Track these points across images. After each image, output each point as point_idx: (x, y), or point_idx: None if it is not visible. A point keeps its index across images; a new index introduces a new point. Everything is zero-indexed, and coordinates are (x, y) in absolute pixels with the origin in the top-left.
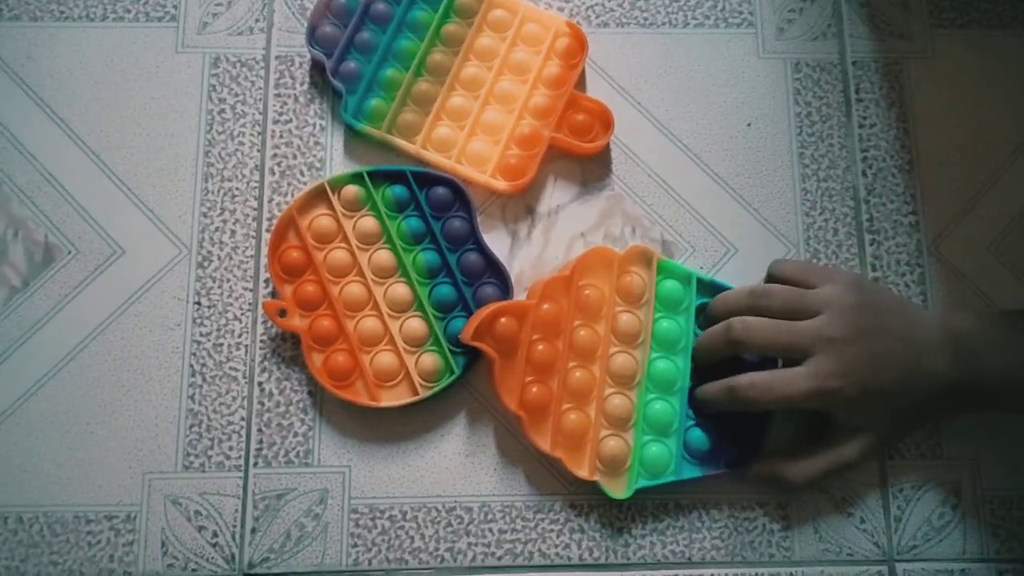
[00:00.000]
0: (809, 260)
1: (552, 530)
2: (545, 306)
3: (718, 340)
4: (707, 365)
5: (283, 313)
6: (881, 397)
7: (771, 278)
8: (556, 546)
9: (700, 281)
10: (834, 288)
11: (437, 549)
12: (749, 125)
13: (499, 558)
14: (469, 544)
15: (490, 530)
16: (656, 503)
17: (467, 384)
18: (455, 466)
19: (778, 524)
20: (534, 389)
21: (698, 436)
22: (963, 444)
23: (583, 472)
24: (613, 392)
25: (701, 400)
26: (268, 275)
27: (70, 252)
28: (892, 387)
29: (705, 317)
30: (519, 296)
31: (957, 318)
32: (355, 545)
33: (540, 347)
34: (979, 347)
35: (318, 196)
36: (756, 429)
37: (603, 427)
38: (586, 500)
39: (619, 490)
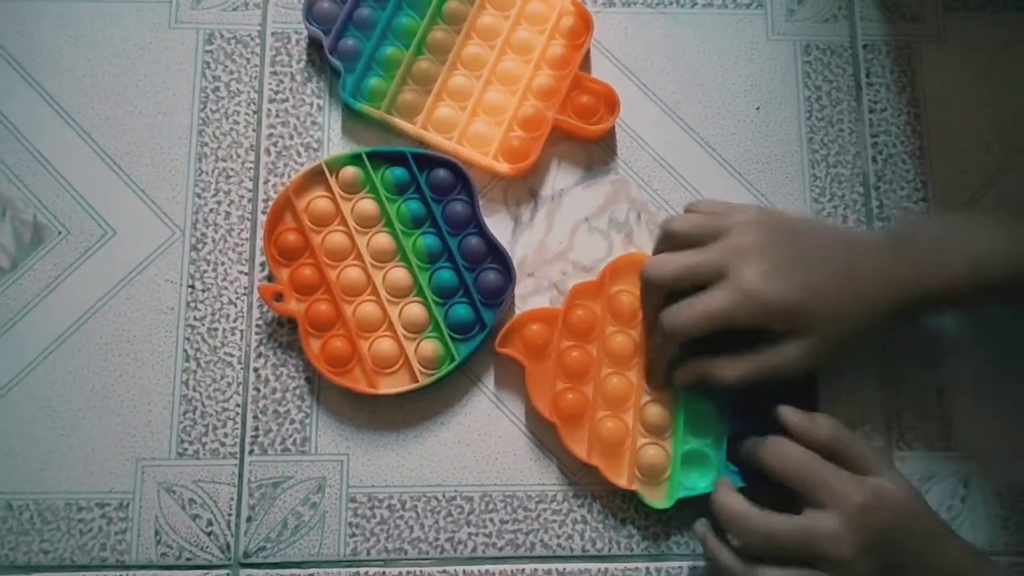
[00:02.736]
0: None
1: (554, 520)
2: (578, 312)
3: (643, 286)
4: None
5: (279, 297)
6: (815, 296)
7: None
8: (558, 536)
9: None
10: (745, 214)
11: (437, 539)
12: (758, 109)
13: (500, 548)
14: (470, 534)
15: (491, 520)
16: None
17: (468, 371)
18: (455, 455)
19: None
20: (569, 396)
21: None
22: (973, 435)
23: (622, 481)
24: (651, 400)
25: (650, 368)
26: (264, 258)
27: (60, 233)
28: (826, 286)
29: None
30: (521, 281)
31: (898, 223)
32: (353, 535)
33: (574, 354)
34: (926, 242)
35: (315, 177)
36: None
37: (641, 435)
38: (589, 490)
39: (659, 500)
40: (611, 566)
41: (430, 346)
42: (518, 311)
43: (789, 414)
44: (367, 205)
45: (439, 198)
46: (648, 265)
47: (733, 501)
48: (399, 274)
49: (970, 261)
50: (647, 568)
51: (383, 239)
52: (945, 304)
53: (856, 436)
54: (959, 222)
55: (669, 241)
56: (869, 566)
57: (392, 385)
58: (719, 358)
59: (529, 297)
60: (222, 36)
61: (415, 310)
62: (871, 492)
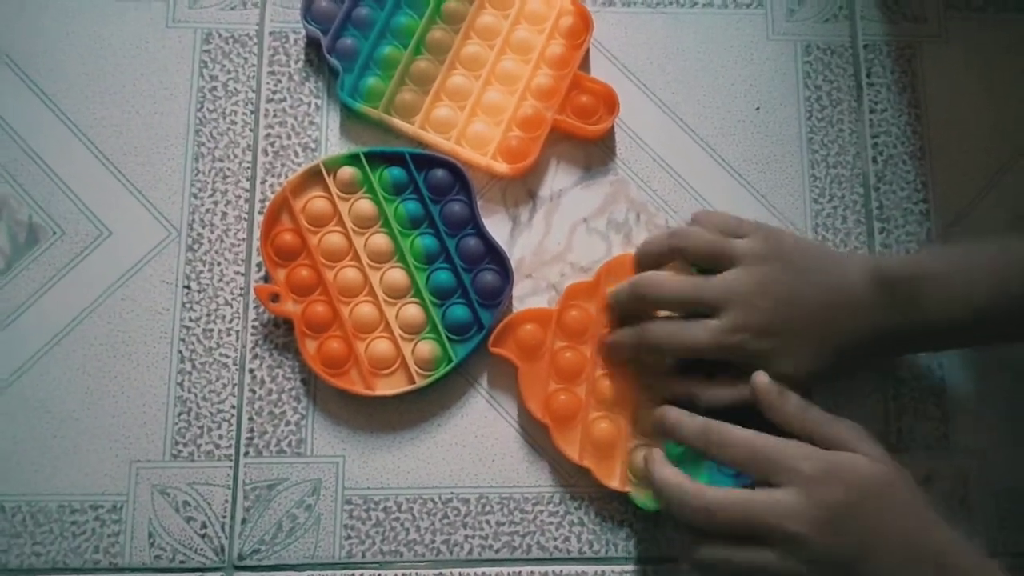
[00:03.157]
0: None
1: (551, 523)
2: (572, 313)
3: (626, 294)
4: (621, 316)
5: (276, 298)
6: (796, 341)
7: (695, 223)
8: (555, 539)
9: None
10: (752, 242)
11: (433, 541)
12: (758, 109)
13: (497, 551)
14: (466, 536)
15: (487, 522)
16: None
17: (465, 373)
18: (452, 457)
19: None
20: (562, 397)
21: None
22: (971, 435)
23: (614, 483)
24: (644, 401)
25: (611, 347)
26: (260, 259)
27: (55, 233)
28: (808, 329)
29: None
30: (519, 282)
31: (883, 262)
32: (349, 537)
33: (567, 354)
34: (910, 286)
35: (313, 178)
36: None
37: (633, 437)
38: (586, 492)
39: (651, 501)
40: (608, 568)
41: (427, 347)
42: (514, 312)
43: (762, 380)
44: (365, 205)
45: (437, 198)
46: (645, 281)
47: (669, 473)
48: (396, 275)
49: (963, 316)
50: (644, 571)
51: (380, 240)
52: (928, 349)
53: (827, 414)
54: (946, 274)
55: (674, 240)
56: (827, 542)
57: (389, 386)
58: (703, 383)
59: (527, 298)
60: (220, 35)
61: (412, 311)
62: (826, 464)
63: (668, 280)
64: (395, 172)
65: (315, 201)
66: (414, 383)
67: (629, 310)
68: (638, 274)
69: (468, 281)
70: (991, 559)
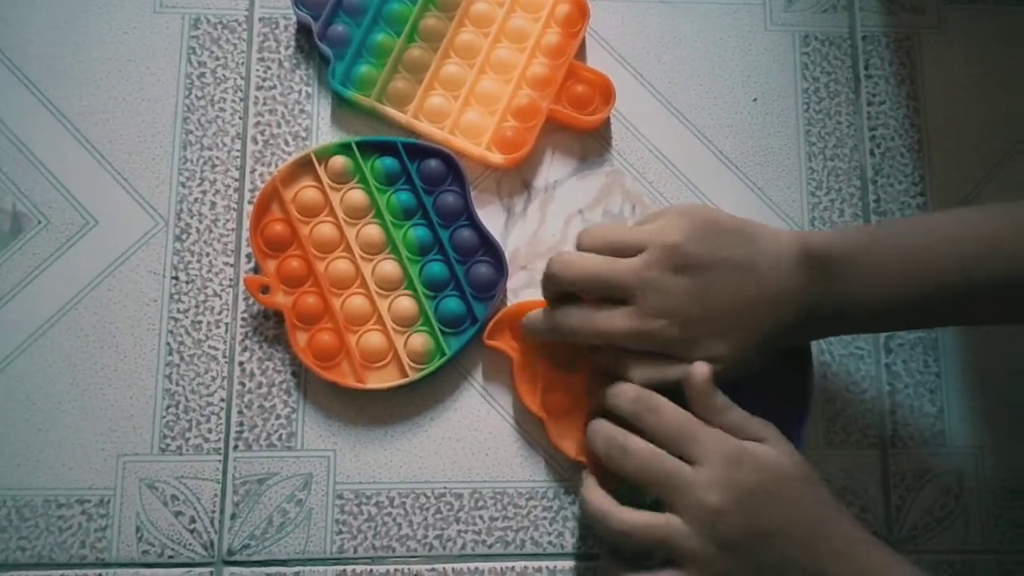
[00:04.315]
0: None
1: (545, 517)
2: None
3: (543, 279)
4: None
5: (266, 290)
6: (718, 330)
7: (580, 248)
8: (549, 534)
9: None
10: (661, 222)
11: (426, 536)
12: (755, 100)
13: (490, 546)
14: (459, 531)
15: (481, 517)
16: None
17: (458, 366)
18: (445, 451)
19: None
20: (558, 391)
21: None
22: (967, 433)
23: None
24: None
25: (524, 328)
26: (250, 249)
27: (40, 222)
28: (730, 318)
29: None
30: (513, 274)
31: (811, 237)
32: (340, 532)
33: (563, 348)
34: (838, 266)
35: (303, 167)
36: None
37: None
38: (580, 487)
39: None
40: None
41: (420, 340)
42: (510, 304)
43: (702, 371)
44: (356, 196)
45: (430, 189)
46: (555, 261)
47: (595, 495)
48: (389, 266)
49: (887, 298)
50: None
51: (373, 230)
52: (853, 331)
53: (745, 413)
54: (872, 245)
55: (579, 239)
56: (740, 520)
57: (381, 380)
58: (635, 361)
59: (521, 290)
60: (208, 21)
61: (405, 303)
62: (741, 449)
63: (578, 259)
64: (387, 162)
65: (306, 191)
66: (407, 376)
67: (552, 296)
68: (553, 256)
69: (462, 273)
70: (896, 554)
